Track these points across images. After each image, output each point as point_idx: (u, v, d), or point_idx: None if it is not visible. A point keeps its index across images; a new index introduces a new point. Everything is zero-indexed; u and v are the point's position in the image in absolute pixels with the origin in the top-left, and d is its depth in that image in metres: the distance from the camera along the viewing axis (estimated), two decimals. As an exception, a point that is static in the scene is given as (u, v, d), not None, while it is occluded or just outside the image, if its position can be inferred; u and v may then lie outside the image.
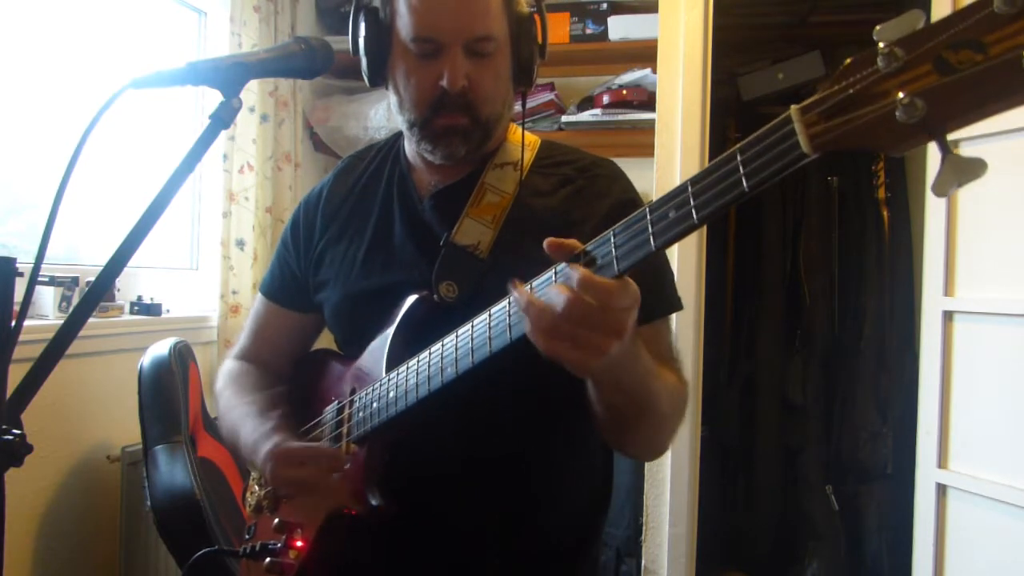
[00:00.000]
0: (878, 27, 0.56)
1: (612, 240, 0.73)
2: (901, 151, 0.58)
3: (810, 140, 0.59)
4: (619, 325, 0.72)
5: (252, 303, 2.43)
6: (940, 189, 0.55)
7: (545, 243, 0.75)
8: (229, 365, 1.25)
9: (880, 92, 0.56)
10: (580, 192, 1.06)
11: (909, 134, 0.55)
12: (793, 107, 0.60)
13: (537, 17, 1.04)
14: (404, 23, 0.99)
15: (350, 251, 1.12)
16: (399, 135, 1.17)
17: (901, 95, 0.54)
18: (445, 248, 1.03)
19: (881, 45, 0.56)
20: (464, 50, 0.97)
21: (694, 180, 0.66)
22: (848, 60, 0.58)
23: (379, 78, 1.05)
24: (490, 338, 0.83)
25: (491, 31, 0.99)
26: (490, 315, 0.84)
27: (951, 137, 0.56)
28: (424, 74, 0.99)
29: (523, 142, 1.09)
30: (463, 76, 0.97)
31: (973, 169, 0.54)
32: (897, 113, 0.54)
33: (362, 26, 1.02)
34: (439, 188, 1.09)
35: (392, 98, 1.06)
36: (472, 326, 0.86)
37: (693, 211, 0.66)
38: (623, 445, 1.02)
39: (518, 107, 1.11)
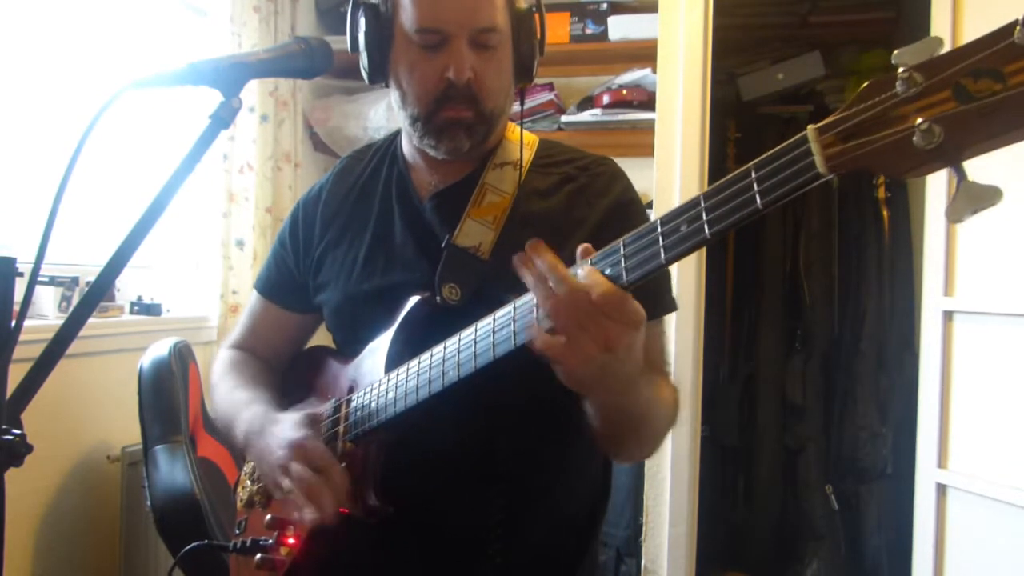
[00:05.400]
0: (896, 51, 0.55)
1: (622, 251, 0.73)
2: (915, 176, 0.58)
3: (826, 161, 0.59)
4: (609, 335, 0.72)
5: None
6: (954, 215, 0.55)
7: (580, 248, 0.76)
8: (225, 354, 1.24)
9: (898, 116, 0.56)
10: (581, 191, 1.06)
11: (925, 160, 0.55)
12: (810, 127, 0.60)
13: (536, 15, 1.04)
14: (408, 15, 0.98)
15: (350, 253, 1.11)
16: (396, 134, 1.16)
17: (919, 120, 0.54)
18: (447, 250, 1.02)
19: (900, 69, 0.55)
20: (469, 42, 0.97)
21: (707, 195, 0.66)
22: (866, 83, 0.58)
23: (380, 74, 1.04)
24: (494, 343, 0.83)
25: (496, 23, 0.99)
26: (495, 319, 0.83)
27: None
28: (428, 67, 0.98)
29: (522, 141, 1.09)
30: (469, 68, 0.97)
31: (988, 196, 0.54)
32: (914, 138, 0.54)
33: (361, 22, 1.02)
34: (439, 189, 1.08)
35: (393, 95, 1.05)
36: (476, 329, 0.85)
37: (705, 226, 0.66)
38: (614, 455, 1.08)
39: (516, 107, 1.10)
